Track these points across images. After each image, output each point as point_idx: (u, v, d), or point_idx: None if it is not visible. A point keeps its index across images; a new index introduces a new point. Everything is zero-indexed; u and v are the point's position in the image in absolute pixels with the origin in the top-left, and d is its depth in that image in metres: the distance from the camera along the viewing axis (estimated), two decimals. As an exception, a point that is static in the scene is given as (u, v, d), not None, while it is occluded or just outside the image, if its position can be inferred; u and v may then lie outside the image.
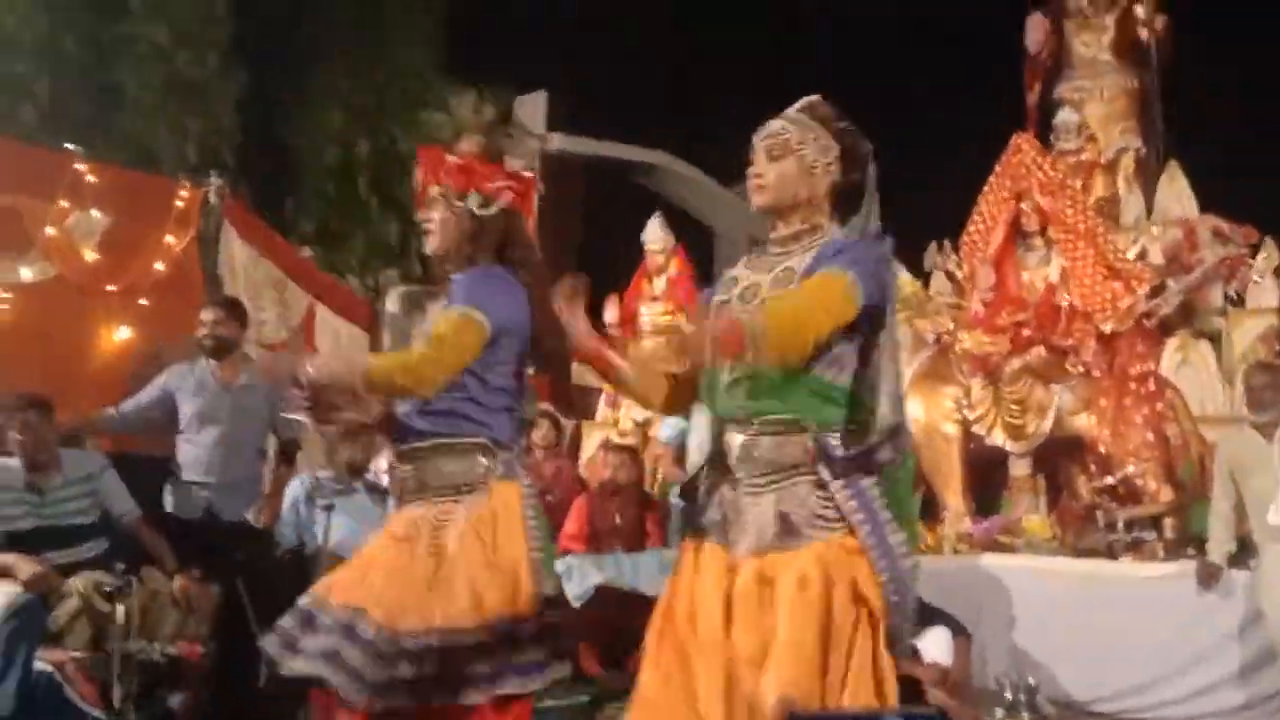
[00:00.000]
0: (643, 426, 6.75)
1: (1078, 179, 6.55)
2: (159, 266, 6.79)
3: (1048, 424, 5.67)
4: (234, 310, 4.76)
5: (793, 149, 2.23)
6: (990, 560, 5.30)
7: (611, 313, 7.47)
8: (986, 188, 6.22)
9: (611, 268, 7.82)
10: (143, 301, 6.64)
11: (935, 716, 2.29)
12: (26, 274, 6.21)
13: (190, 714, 3.93)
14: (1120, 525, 5.26)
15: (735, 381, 2.18)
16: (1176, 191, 6.80)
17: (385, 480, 4.79)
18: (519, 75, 10.72)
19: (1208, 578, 4.62)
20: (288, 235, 8.56)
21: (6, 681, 3.58)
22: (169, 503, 4.49)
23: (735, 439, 2.20)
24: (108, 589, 3.76)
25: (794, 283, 2.17)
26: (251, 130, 9.81)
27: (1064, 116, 6.95)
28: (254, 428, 4.57)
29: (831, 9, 10.82)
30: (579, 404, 7.09)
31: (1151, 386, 5.61)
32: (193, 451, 4.45)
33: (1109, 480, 5.48)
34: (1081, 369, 5.68)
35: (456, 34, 10.66)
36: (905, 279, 6.07)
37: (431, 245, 2.62)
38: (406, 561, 2.47)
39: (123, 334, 6.57)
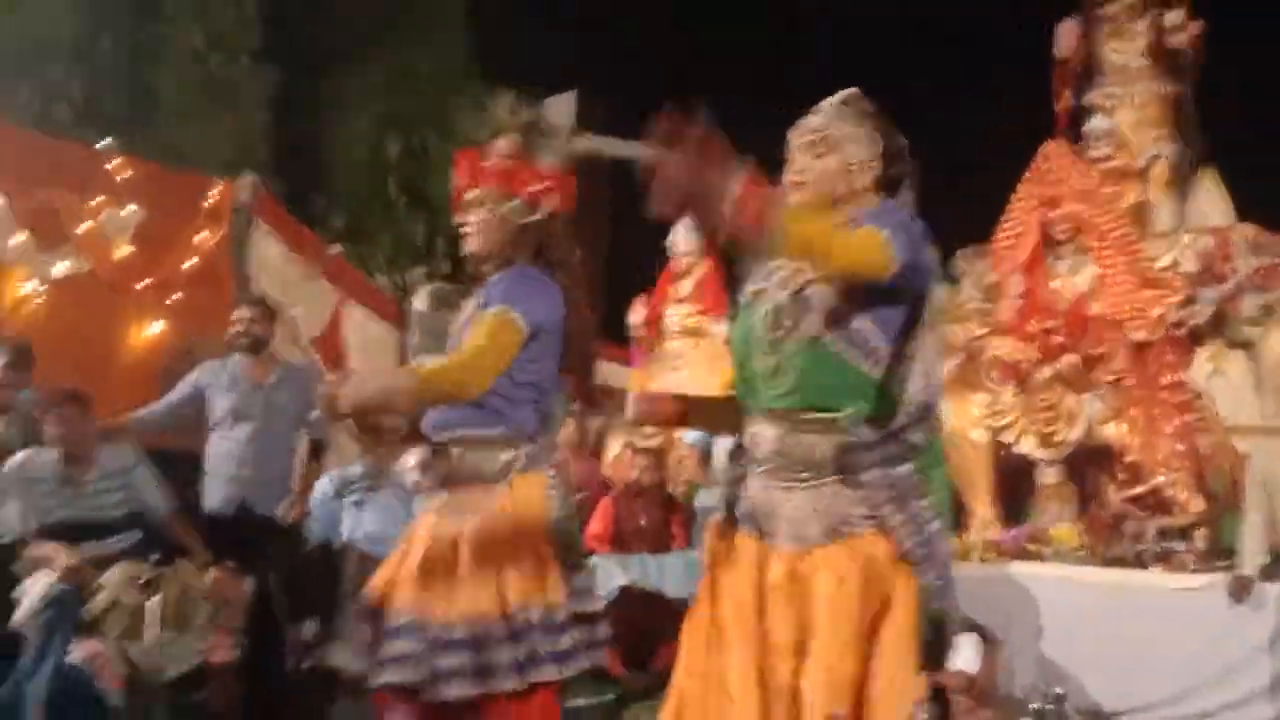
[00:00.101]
0: (667, 428, 6.75)
1: (1109, 186, 6.50)
2: (191, 262, 6.87)
3: (1077, 432, 5.62)
4: (266, 308, 4.81)
5: (833, 145, 2.20)
6: (1018, 569, 5.26)
7: (638, 314, 7.47)
8: (1017, 194, 6.19)
9: (638, 269, 7.83)
10: (175, 297, 6.72)
11: None
12: (61, 269, 6.29)
13: (221, 707, 3.96)
14: (1150, 535, 5.22)
15: (774, 373, 2.16)
16: (1210, 199, 6.73)
17: (413, 477, 4.83)
18: (548, 75, 10.76)
19: (1239, 590, 4.57)
20: (317, 233, 8.63)
21: (41, 670, 3.63)
22: (202, 498, 4.53)
23: (769, 433, 2.18)
24: (140, 582, 3.80)
25: None
26: (282, 129, 9.90)
27: (1096, 123, 6.90)
28: (285, 424, 4.61)
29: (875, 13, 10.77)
30: (604, 404, 7.11)
31: (1183, 396, 5.56)
32: (225, 447, 4.49)
33: (1138, 490, 5.44)
34: (1112, 378, 5.64)
35: (486, 34, 10.72)
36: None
37: (471, 247, 2.64)
38: (433, 553, 2.51)
39: (155, 329, 6.65)
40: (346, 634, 2.69)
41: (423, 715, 2.47)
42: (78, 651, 3.64)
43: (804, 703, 2.03)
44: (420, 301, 6.49)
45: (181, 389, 4.65)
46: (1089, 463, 5.75)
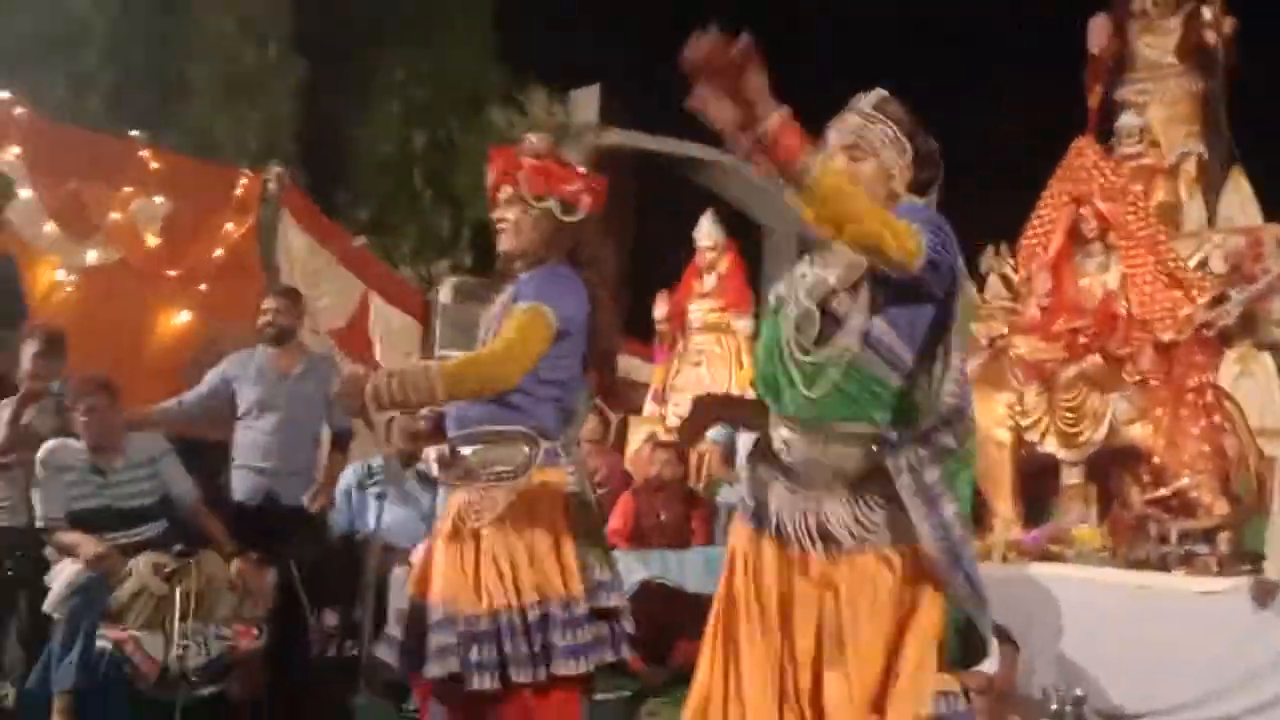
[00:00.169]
0: (690, 423, 6.75)
1: (1139, 184, 6.45)
2: (219, 252, 6.94)
3: (1102, 432, 5.59)
4: (295, 299, 4.84)
5: (872, 151, 2.19)
6: (1040, 569, 5.23)
7: (661, 309, 7.47)
8: (1046, 191, 6.15)
9: (662, 263, 7.83)
10: (202, 286, 6.79)
11: None
12: (91, 257, 6.37)
13: (245, 696, 4.01)
14: (1173, 538, 5.19)
15: (802, 383, 2.15)
16: (1240, 199, 6.66)
17: (435, 469, 4.86)
18: (574, 68, 10.76)
19: (1263, 595, 4.53)
20: (342, 224, 8.69)
21: (69, 656, 3.69)
22: (229, 488, 4.58)
23: (797, 441, 2.18)
24: (166, 571, 3.85)
25: (863, 267, 2.11)
26: (309, 120, 9.95)
27: (1126, 120, 6.84)
28: (311, 415, 4.64)
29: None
30: (625, 398, 7.13)
31: (1209, 398, 5.51)
32: (251, 437, 4.53)
33: (1162, 491, 5.40)
34: (1138, 378, 5.60)
35: (512, 26, 10.73)
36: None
37: (506, 245, 2.65)
38: (457, 549, 2.54)
39: (183, 319, 6.72)
40: (385, 630, 2.72)
41: (450, 707, 2.51)
42: (104, 639, 3.69)
43: (827, 714, 2.03)
44: (445, 294, 6.55)
45: (210, 380, 4.69)
46: (1113, 463, 5.71)
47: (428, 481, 4.82)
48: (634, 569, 4.98)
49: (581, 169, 2.71)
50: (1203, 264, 6.18)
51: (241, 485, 4.54)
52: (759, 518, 2.25)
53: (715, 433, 5.95)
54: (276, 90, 9.94)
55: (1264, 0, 7.53)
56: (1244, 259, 6.16)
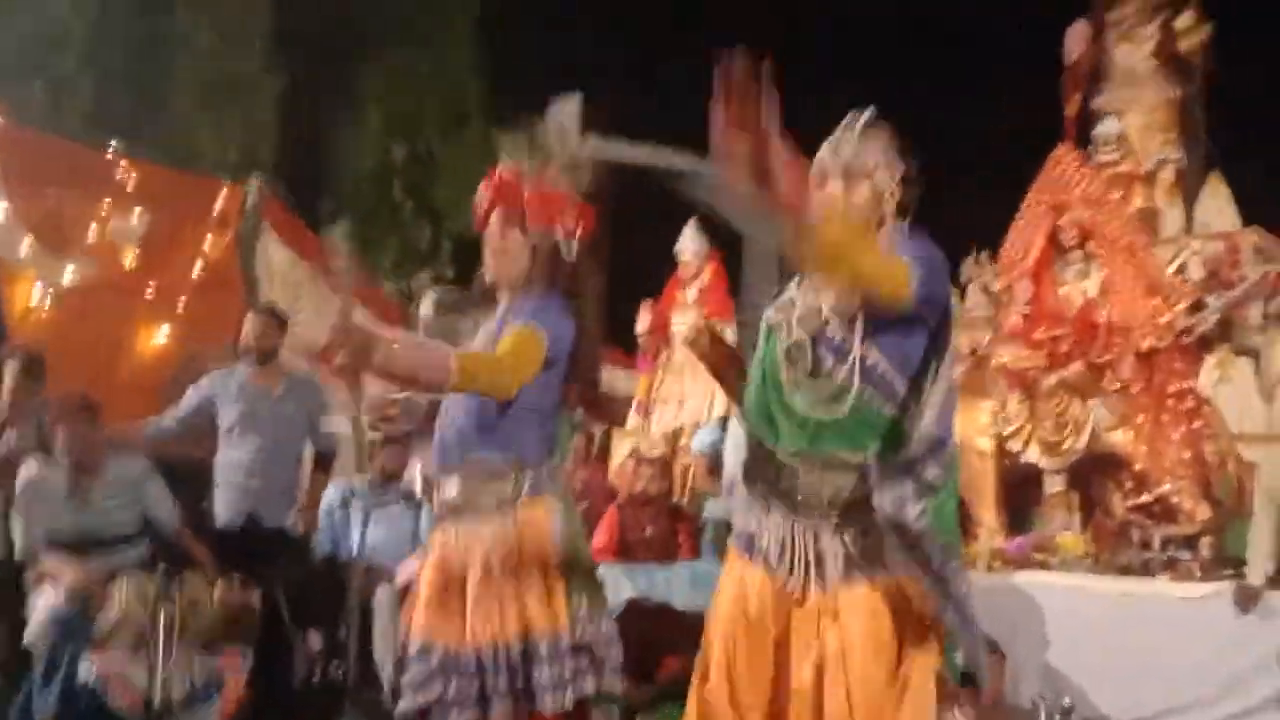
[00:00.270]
0: (673, 436, 6.75)
1: (1117, 191, 6.49)
2: (199, 267, 6.90)
3: (1084, 440, 5.62)
4: (276, 317, 4.81)
5: (867, 175, 2.20)
6: (1024, 577, 5.26)
7: (645, 320, 7.46)
8: (1026, 200, 6.18)
9: (645, 276, 7.82)
10: (183, 302, 6.75)
11: None
12: (69, 275, 6.32)
13: (229, 720, 3.98)
14: (1156, 543, 5.22)
15: (798, 412, 2.16)
16: (1218, 205, 6.70)
17: (419, 488, 4.84)
18: (555, 79, 10.75)
19: (1246, 600, 4.56)
20: (323, 237, 8.64)
21: (49, 687, 3.65)
22: (211, 508, 4.54)
23: (797, 470, 2.18)
24: (150, 596, 3.81)
25: (858, 298, 2.13)
26: (290, 131, 9.92)
27: (1105, 127, 6.87)
28: (293, 435, 4.62)
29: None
30: (608, 411, 7.11)
31: (1189, 404, 5.54)
32: (233, 457, 4.50)
33: (1145, 498, 5.44)
34: (1119, 385, 5.63)
35: (493, 39, 10.71)
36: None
37: (498, 270, 2.64)
38: (442, 582, 2.52)
39: (163, 334, 6.68)
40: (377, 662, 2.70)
41: None
42: (87, 668, 3.65)
43: None
44: (426, 306, 6.50)
45: (190, 399, 4.65)
46: (1095, 470, 5.74)
47: (412, 500, 4.79)
48: (621, 585, 4.97)
49: (575, 198, 2.71)
50: (1181, 270, 6.22)
51: (225, 505, 4.51)
52: (753, 548, 2.24)
53: (698, 445, 5.95)
54: (257, 100, 9.91)
55: (1239, 5, 7.59)
56: (1222, 265, 6.20)
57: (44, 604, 3.84)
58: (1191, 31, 7.17)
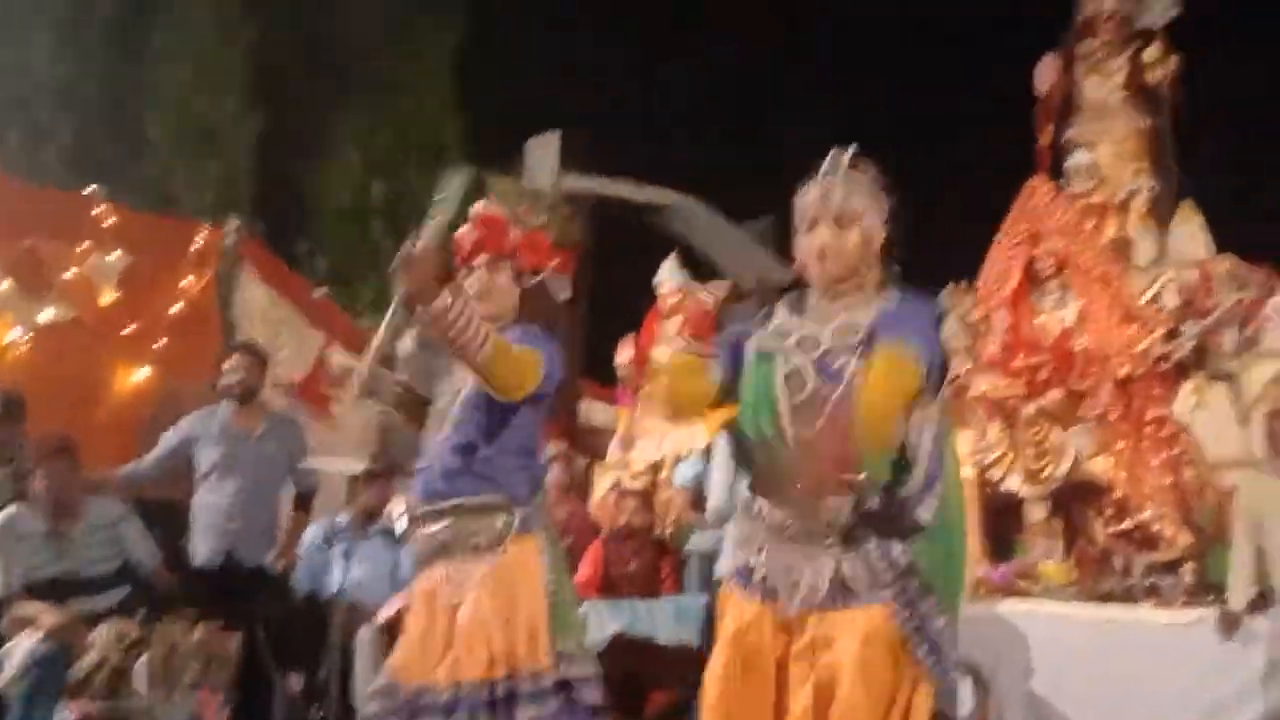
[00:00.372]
0: (654, 468, 6.73)
1: (1091, 221, 6.56)
2: (177, 307, 6.88)
3: (1064, 468, 5.64)
4: (258, 357, 4.80)
5: (856, 217, 2.21)
6: (1007, 606, 5.26)
7: (625, 354, 7.45)
8: (1002, 231, 6.24)
9: (625, 309, 7.83)
10: (161, 343, 6.72)
11: None
12: (46, 315, 6.29)
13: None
14: (1137, 570, 5.23)
15: (797, 440, 2.15)
16: (1190, 232, 6.78)
17: (400, 525, 4.80)
18: (533, 118, 10.82)
19: (1228, 626, 4.58)
20: (302, 276, 8.64)
21: (26, 733, 3.59)
22: (190, 550, 4.50)
23: (792, 497, 2.18)
24: (129, 640, 3.77)
25: (859, 334, 2.16)
26: (267, 172, 9.94)
27: (1076, 159, 6.96)
28: (273, 475, 4.60)
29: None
30: (589, 444, 7.10)
31: (1168, 430, 5.58)
32: (213, 499, 4.47)
33: (1125, 525, 5.46)
34: (1098, 412, 5.67)
35: (471, 78, 10.76)
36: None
37: (483, 308, 2.63)
38: (427, 622, 2.50)
39: (141, 375, 6.64)
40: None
41: None
42: (65, 715, 3.60)
43: None
44: (407, 344, 6.49)
45: (169, 440, 4.63)
46: (1076, 498, 5.76)
47: (393, 538, 4.76)
48: (606, 621, 4.95)
49: (561, 245, 2.76)
50: (1156, 298, 6.28)
51: (204, 546, 4.47)
52: (749, 579, 2.23)
53: (681, 478, 5.94)
54: (234, 142, 9.92)
55: (1206, 36, 7.73)
56: (1197, 292, 6.27)
57: (21, 649, 3.78)
58: (1159, 63, 7.28)
